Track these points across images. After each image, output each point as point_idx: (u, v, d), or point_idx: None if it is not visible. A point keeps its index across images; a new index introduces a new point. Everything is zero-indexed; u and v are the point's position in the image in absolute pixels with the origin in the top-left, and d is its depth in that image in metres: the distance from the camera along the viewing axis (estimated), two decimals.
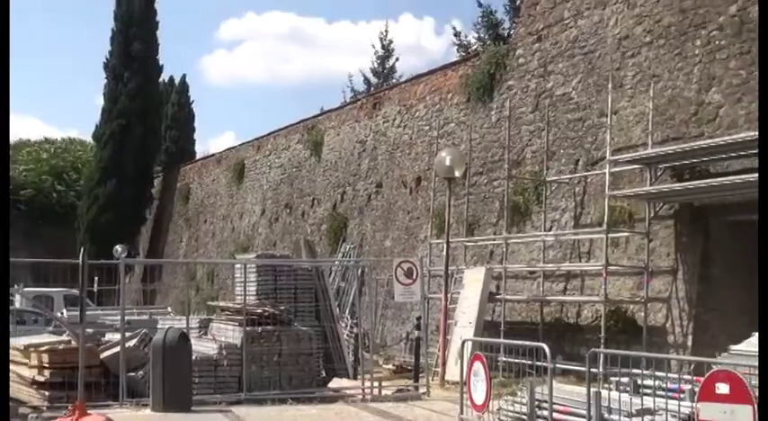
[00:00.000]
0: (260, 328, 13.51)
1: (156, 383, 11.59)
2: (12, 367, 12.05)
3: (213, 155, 39.71)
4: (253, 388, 13.01)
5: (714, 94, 13.93)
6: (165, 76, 44.30)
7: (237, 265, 17.01)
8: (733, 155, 13.09)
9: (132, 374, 12.44)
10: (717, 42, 13.96)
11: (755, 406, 6.84)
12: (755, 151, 12.40)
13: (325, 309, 15.31)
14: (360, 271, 16.30)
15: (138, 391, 12.28)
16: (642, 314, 14.40)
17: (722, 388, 7.07)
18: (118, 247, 27.84)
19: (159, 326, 15.07)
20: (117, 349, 12.53)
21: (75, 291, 14.78)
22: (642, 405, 8.14)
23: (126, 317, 13.94)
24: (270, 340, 13.50)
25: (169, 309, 25.18)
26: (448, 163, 16.09)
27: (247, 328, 13.29)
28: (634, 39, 15.67)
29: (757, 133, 12.07)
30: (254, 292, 14.72)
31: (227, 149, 38.04)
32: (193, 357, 12.37)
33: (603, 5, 16.50)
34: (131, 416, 11.16)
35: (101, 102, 42.14)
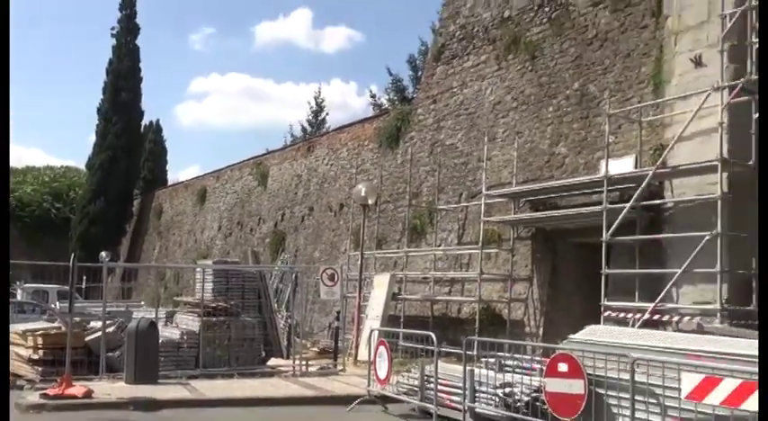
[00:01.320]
0: (214, 318, 13.34)
1: (129, 361, 11.43)
2: (12, 348, 11.69)
3: (182, 182, 39.01)
4: (207, 365, 12.83)
5: (562, 148, 14.32)
6: (145, 120, 43.40)
7: (198, 269, 16.75)
8: (575, 193, 13.43)
9: (111, 354, 12.16)
10: (564, 109, 14.38)
11: (585, 380, 7.03)
12: (590, 190, 12.84)
13: (266, 305, 15.15)
14: (294, 275, 16.17)
15: (114, 367, 12.05)
16: (507, 311, 14.64)
17: (562, 367, 7.24)
18: (103, 254, 27.23)
19: (134, 316, 14.72)
20: (99, 333, 12.27)
21: (67, 288, 14.37)
22: (504, 379, 8.25)
23: (107, 309, 13.71)
24: (222, 328, 13.33)
25: (142, 302, 24.67)
26: (363, 193, 16.14)
27: (204, 318, 13.11)
28: (504, 104, 16.01)
29: (592, 176, 12.57)
30: (211, 290, 14.51)
31: (193, 178, 37.43)
32: (160, 340, 12.15)
33: (482, 79, 16.82)
34: (108, 387, 10.85)
35: (93, 138, 41.18)
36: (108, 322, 12.66)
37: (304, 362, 13.75)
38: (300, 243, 24.24)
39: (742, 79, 10.26)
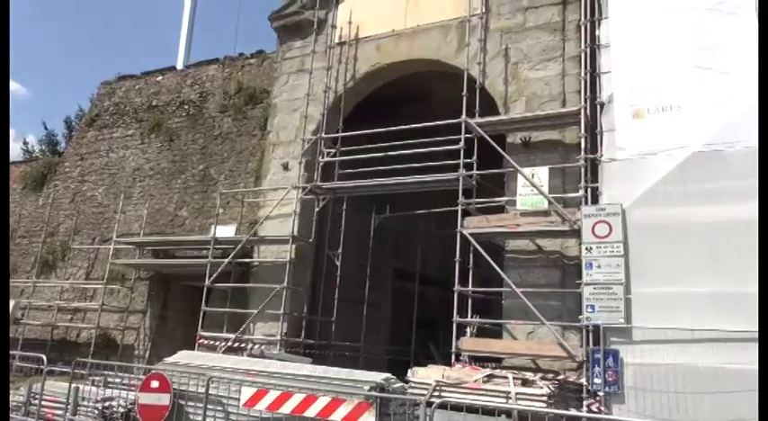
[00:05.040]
0: None
1: None
2: None
3: None
4: None
5: (184, 212, 14.17)
6: None
7: None
8: (190, 247, 13.27)
9: None
10: (189, 183, 14.33)
11: (171, 393, 6.95)
12: (201, 246, 12.86)
13: None
14: None
15: None
16: (121, 337, 13.62)
17: (155, 383, 7.05)
18: None
19: None
20: None
21: None
22: (105, 394, 7.68)
23: None
24: None
25: None
26: None
27: None
28: (143, 171, 15.32)
29: (203, 236, 12.67)
30: None
31: None
32: None
33: (127, 148, 15.91)
34: None
35: None
36: None
37: None
38: None
39: (311, 183, 11.51)
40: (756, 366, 6.08)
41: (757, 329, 6.10)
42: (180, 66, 18.05)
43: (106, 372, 8.47)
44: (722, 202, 7.06)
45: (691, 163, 7.42)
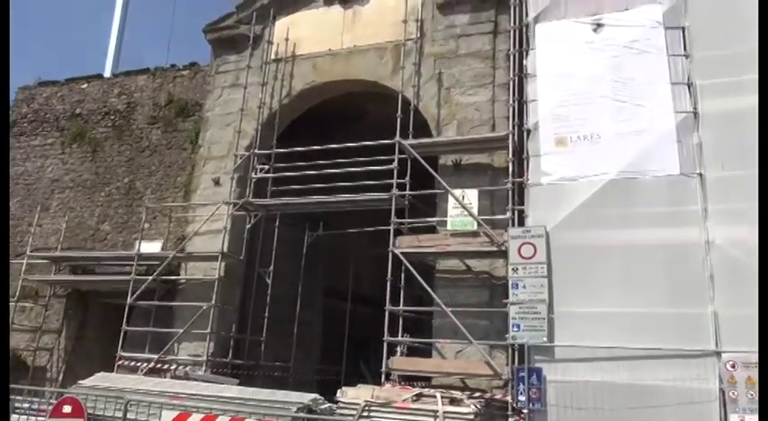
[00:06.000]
0: None
1: None
2: None
3: None
4: None
5: (107, 226, 13.55)
6: None
7: None
8: (112, 263, 12.72)
9: None
10: (114, 196, 13.74)
11: (85, 418, 6.57)
12: (124, 262, 12.33)
13: None
14: None
15: None
16: (32, 358, 12.76)
17: (67, 408, 6.66)
18: None
19: None
20: None
21: None
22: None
23: None
24: None
25: None
26: None
27: None
28: (62, 183, 14.55)
29: (127, 252, 12.15)
30: None
31: None
32: None
33: (46, 158, 15.05)
34: None
35: None
36: None
37: None
38: None
39: (242, 199, 11.33)
40: (673, 383, 6.50)
41: (681, 348, 6.52)
42: (108, 74, 17.37)
43: (13, 397, 7.89)
44: (635, 227, 7.50)
45: (608, 189, 7.85)
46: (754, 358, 6.52)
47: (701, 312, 6.99)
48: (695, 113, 7.86)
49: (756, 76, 7.38)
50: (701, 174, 7.57)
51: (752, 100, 7.43)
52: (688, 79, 8.03)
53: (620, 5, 8.69)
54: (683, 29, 8.25)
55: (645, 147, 7.86)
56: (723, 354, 6.78)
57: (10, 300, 12.98)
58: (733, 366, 6.66)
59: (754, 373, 6.53)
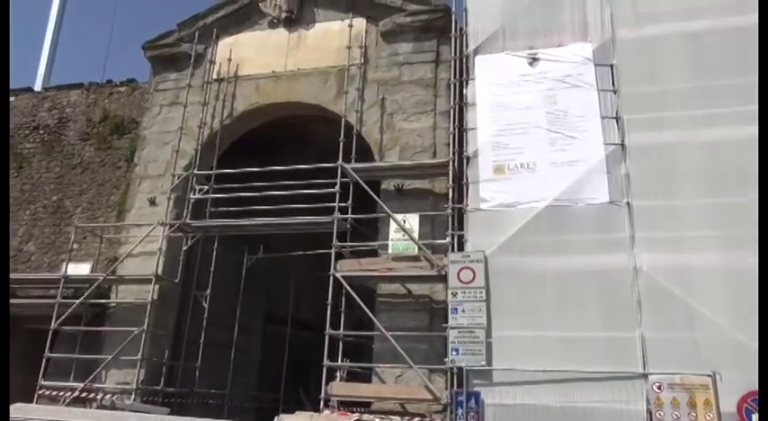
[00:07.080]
0: None
1: None
2: None
3: None
4: None
5: (31, 246, 12.79)
6: None
7: None
8: (33, 286, 11.93)
9: None
10: (40, 215, 13.02)
11: None
12: (49, 285, 11.66)
13: None
14: None
15: None
16: None
17: None
18: None
19: None
20: None
21: None
22: None
23: None
24: None
25: None
26: None
27: None
28: None
29: (52, 274, 11.49)
30: None
31: None
32: None
33: None
34: None
35: None
36: None
37: None
38: None
39: (179, 220, 11.01)
40: (604, 405, 6.72)
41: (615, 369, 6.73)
42: (38, 87, 16.61)
43: None
44: (568, 253, 7.78)
45: (543, 216, 8.13)
46: (678, 379, 6.83)
47: (629, 336, 7.28)
48: (623, 145, 8.29)
49: (674, 113, 7.95)
50: (628, 203, 7.96)
51: (673, 134, 7.96)
52: (616, 113, 8.48)
53: (554, 42, 9.13)
54: (612, 66, 8.74)
55: (577, 177, 8.20)
56: (650, 376, 7.06)
57: None
58: (659, 388, 6.94)
59: (680, 394, 6.83)
